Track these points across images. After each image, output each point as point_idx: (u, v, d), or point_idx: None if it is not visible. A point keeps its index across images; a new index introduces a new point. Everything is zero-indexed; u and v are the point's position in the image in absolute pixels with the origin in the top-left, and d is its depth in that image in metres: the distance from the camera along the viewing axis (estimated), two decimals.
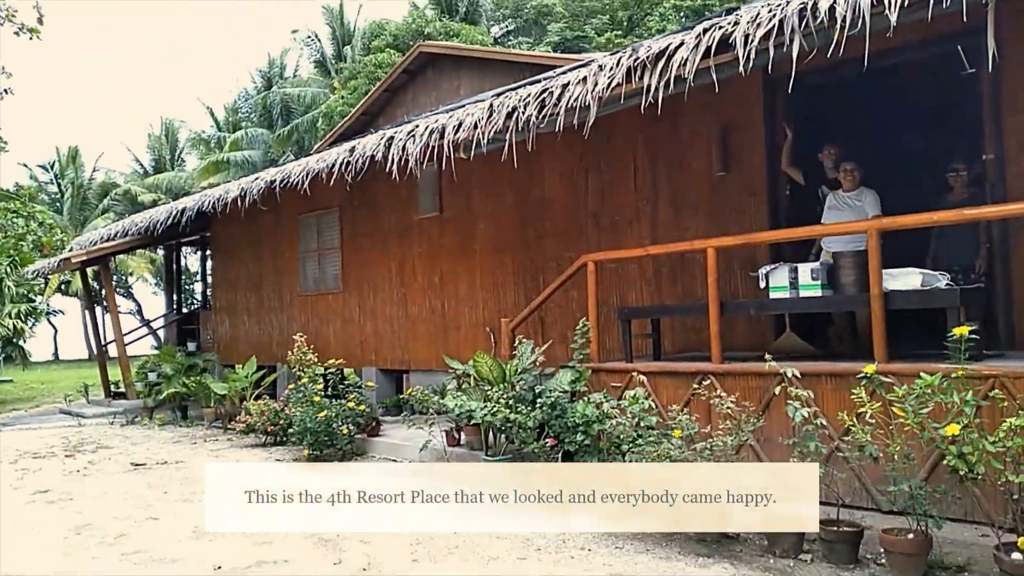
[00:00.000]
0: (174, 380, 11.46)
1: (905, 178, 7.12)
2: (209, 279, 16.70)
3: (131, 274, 36.37)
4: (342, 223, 11.89)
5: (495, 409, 5.62)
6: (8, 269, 17.36)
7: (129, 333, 14.99)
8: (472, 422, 6.85)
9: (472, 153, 6.83)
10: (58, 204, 39.57)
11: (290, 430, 8.74)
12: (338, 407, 7.67)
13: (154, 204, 36.29)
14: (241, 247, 14.21)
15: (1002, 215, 4.84)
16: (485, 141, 6.55)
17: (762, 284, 5.69)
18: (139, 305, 39.41)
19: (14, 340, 17.80)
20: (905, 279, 4.95)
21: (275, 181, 10.48)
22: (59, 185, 41.14)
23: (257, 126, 35.87)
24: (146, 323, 23.72)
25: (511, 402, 5.67)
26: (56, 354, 41.56)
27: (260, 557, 4.59)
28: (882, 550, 4.12)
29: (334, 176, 9.33)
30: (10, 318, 17.11)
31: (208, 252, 16.32)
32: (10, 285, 17.29)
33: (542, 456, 5.46)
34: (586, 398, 5.38)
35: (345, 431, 7.63)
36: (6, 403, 16.33)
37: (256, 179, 11.07)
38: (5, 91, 19.61)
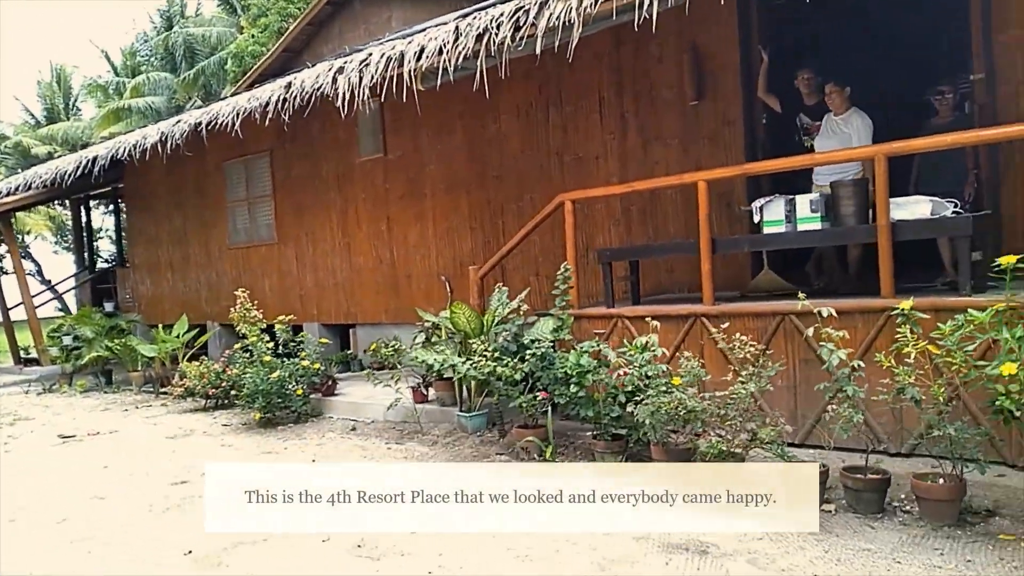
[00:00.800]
0: (95, 343, 10.52)
1: (886, 102, 6.88)
2: (124, 234, 15.48)
3: (28, 232, 33.84)
4: (274, 169, 11.03)
5: (479, 363, 5.16)
6: None
7: (37, 295, 13.74)
8: (444, 377, 6.43)
9: (438, 83, 6.18)
10: None
11: (232, 392, 8.17)
12: (291, 366, 7.07)
13: (49, 156, 33.56)
14: (160, 198, 13.10)
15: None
16: (452, 69, 5.93)
17: (756, 218, 5.37)
18: (39, 266, 36.74)
19: None
20: (914, 207, 4.70)
21: (200, 124, 9.53)
22: None
23: (159, 70, 33.42)
24: (50, 286, 22.01)
25: (496, 354, 5.23)
26: None
27: (237, 539, 4.06)
28: (905, 496, 3.94)
29: (269, 116, 8.55)
30: None
31: (122, 205, 15.07)
32: None
33: (529, 410, 5.06)
34: (577, 347, 4.98)
35: (300, 392, 7.06)
36: None
37: (178, 122, 10.08)
38: None
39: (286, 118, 8.50)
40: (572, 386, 4.78)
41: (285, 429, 6.91)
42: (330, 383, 7.50)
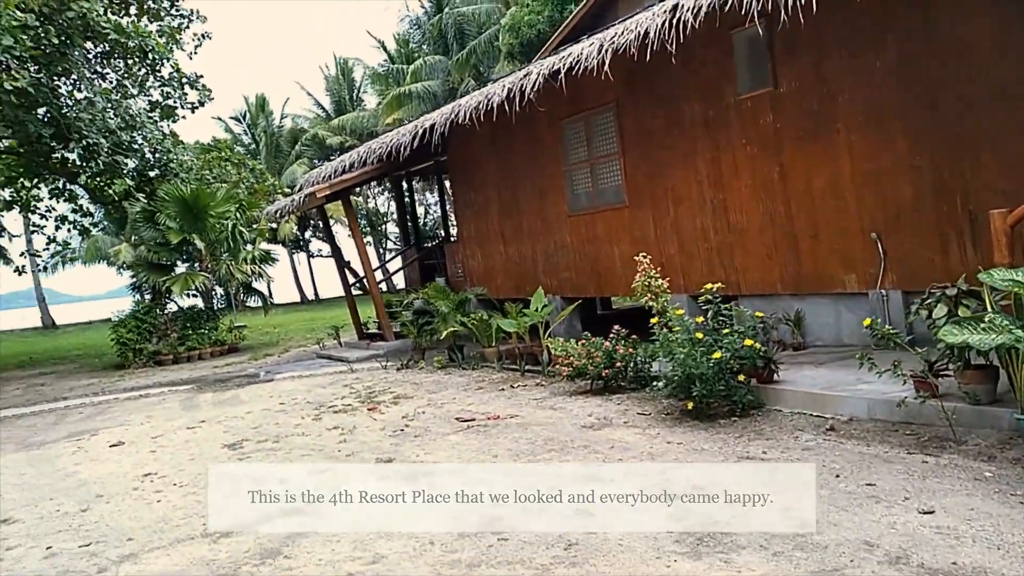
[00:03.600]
0: (450, 318, 10.11)
1: None
2: (449, 208, 15.44)
3: (331, 217, 36.79)
4: (621, 122, 9.85)
5: None
6: (237, 214, 16.98)
7: (377, 272, 13.96)
8: (972, 364, 4.72)
9: None
10: (252, 153, 40.68)
11: (627, 373, 7.12)
12: (731, 345, 5.72)
13: (341, 146, 36.22)
14: (487, 168, 12.59)
15: None
16: None
17: None
18: (339, 248, 40.04)
19: (253, 285, 17.58)
20: None
21: (559, 70, 8.59)
22: (252, 135, 42.29)
23: (432, 54, 34.48)
24: (347, 267, 23.18)
25: None
26: (271, 298, 43.64)
27: None
28: None
29: (650, 48, 7.38)
30: (246, 263, 16.77)
31: (447, 179, 14.96)
32: (242, 231, 16.91)
33: None
34: None
35: (741, 378, 5.70)
36: (255, 349, 16.10)
37: (527, 74, 9.23)
38: (204, 35, 19.09)
39: (673, 47, 7.25)
40: None
41: (728, 424, 5.58)
42: (771, 367, 6.04)
